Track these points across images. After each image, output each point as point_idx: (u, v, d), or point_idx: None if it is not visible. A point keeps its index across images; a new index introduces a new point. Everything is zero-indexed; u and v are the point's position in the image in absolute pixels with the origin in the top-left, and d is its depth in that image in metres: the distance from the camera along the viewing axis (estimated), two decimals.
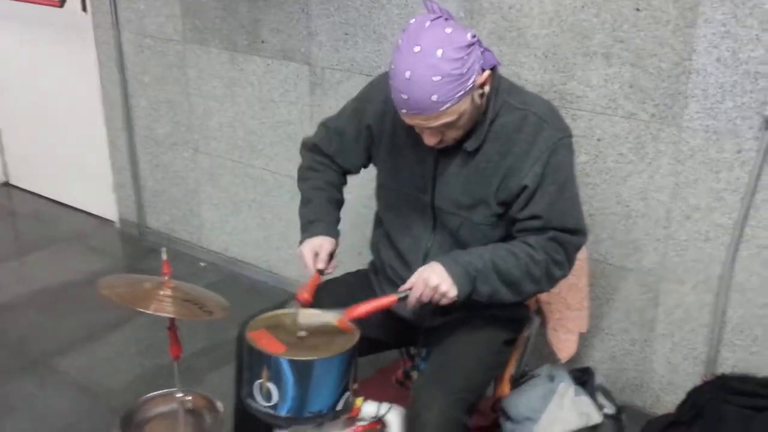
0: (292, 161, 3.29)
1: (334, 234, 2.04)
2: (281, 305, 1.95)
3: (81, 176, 4.34)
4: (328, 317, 1.83)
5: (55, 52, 4.12)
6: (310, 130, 3.16)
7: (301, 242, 2.03)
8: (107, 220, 4.29)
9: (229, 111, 3.45)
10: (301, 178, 2.19)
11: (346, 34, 2.92)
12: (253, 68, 3.28)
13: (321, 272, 1.98)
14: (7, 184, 4.84)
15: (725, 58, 2.15)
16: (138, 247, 4.05)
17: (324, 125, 2.17)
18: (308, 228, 2.05)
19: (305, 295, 1.90)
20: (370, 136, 2.05)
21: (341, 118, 2.13)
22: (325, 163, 2.16)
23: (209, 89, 3.49)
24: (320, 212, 2.08)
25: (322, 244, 1.99)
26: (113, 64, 3.81)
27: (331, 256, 2.02)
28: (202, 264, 3.78)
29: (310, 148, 2.19)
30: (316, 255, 1.98)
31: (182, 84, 3.58)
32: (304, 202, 2.13)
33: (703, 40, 2.17)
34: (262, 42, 3.20)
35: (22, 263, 3.88)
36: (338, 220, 2.10)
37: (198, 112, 3.58)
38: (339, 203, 2.14)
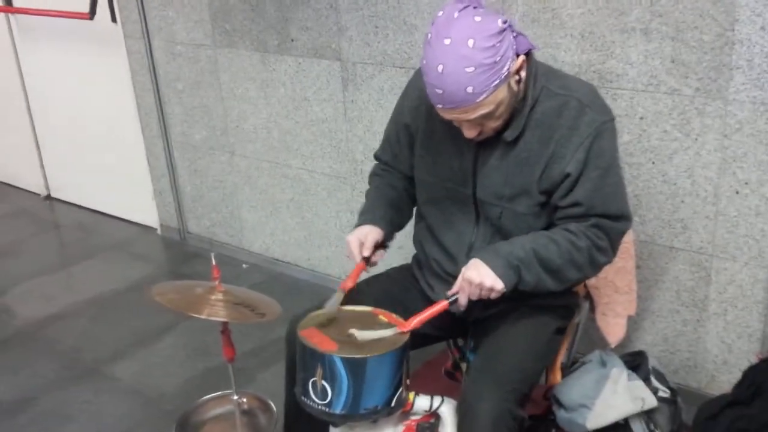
0: (327, 159, 3.29)
1: (382, 225, 2.02)
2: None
3: (121, 185, 4.38)
4: (385, 333, 1.80)
5: (88, 64, 4.16)
6: (344, 126, 3.17)
7: None
8: (149, 227, 4.34)
9: (263, 112, 3.46)
10: (369, 185, 2.20)
11: (377, 27, 2.91)
12: (285, 68, 3.28)
13: (366, 260, 1.97)
14: (49, 197, 4.91)
15: None
16: (180, 252, 4.08)
17: (384, 136, 2.18)
18: (358, 222, 2.05)
19: (348, 282, 1.90)
20: (409, 134, 2.04)
21: (389, 125, 2.14)
22: (386, 169, 2.17)
23: (242, 92, 3.50)
24: (369, 207, 2.09)
25: (367, 233, 1.98)
26: (146, 73, 3.84)
27: (378, 246, 2.01)
28: (245, 266, 3.80)
29: (375, 158, 2.22)
30: (362, 244, 1.96)
31: (215, 88, 3.60)
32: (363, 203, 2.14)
33: (745, 8, 2.12)
34: (292, 41, 3.20)
35: (68, 274, 3.93)
36: (388, 214, 2.07)
37: (232, 115, 3.59)
38: (394, 201, 2.11)
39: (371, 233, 1.98)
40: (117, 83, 4.01)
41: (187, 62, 3.66)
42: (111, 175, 4.40)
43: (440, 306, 1.82)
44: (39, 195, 4.93)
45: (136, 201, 4.32)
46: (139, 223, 4.39)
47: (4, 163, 5.15)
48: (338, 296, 1.88)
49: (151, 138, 4.02)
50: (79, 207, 4.71)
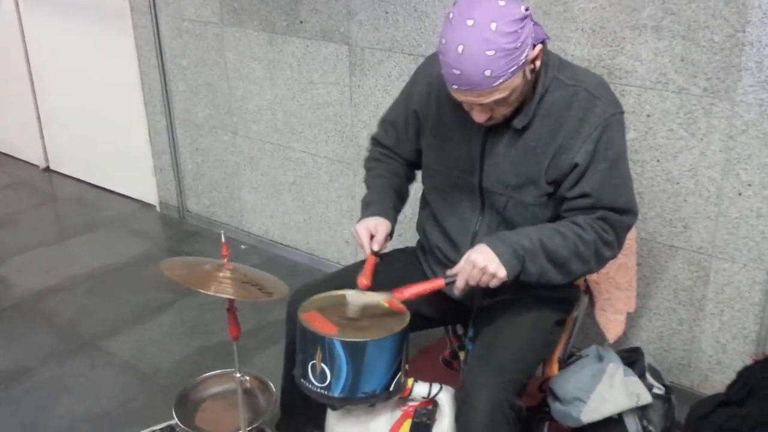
0: (331, 143, 3.29)
1: (390, 217, 2.02)
2: (331, 281, 1.94)
3: (121, 160, 4.38)
4: (376, 298, 1.83)
5: (92, 37, 4.14)
6: (350, 111, 3.16)
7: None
8: (148, 204, 4.33)
9: (269, 93, 3.45)
10: (366, 170, 2.20)
11: (386, 13, 2.90)
12: (292, 50, 3.27)
13: (376, 254, 1.96)
14: (48, 170, 4.90)
15: None
16: (179, 230, 4.08)
17: (381, 121, 2.18)
18: (364, 211, 2.04)
19: (364, 280, 1.88)
20: (417, 121, 2.04)
21: (393, 109, 2.13)
22: (387, 154, 2.16)
23: (248, 72, 3.49)
24: (377, 196, 2.07)
25: (377, 225, 1.97)
26: (151, 48, 3.82)
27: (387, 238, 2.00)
28: (243, 247, 3.80)
29: (373, 142, 2.21)
30: (372, 237, 1.96)
31: (221, 67, 3.59)
32: (367, 190, 2.13)
33: (757, 11, 2.12)
34: (301, 23, 3.19)
35: (66, 247, 3.93)
36: (396, 205, 2.08)
37: (237, 95, 3.59)
38: (399, 190, 2.12)
39: (381, 225, 1.97)
40: (121, 57, 4.00)
41: (193, 39, 3.64)
42: (111, 150, 4.39)
43: (436, 283, 1.82)
44: (38, 167, 4.92)
45: (136, 177, 4.32)
46: (138, 200, 4.39)
47: (4, 133, 5.14)
48: (357, 298, 1.85)
49: (154, 114, 4.00)
50: (78, 180, 4.71)
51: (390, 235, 2.01)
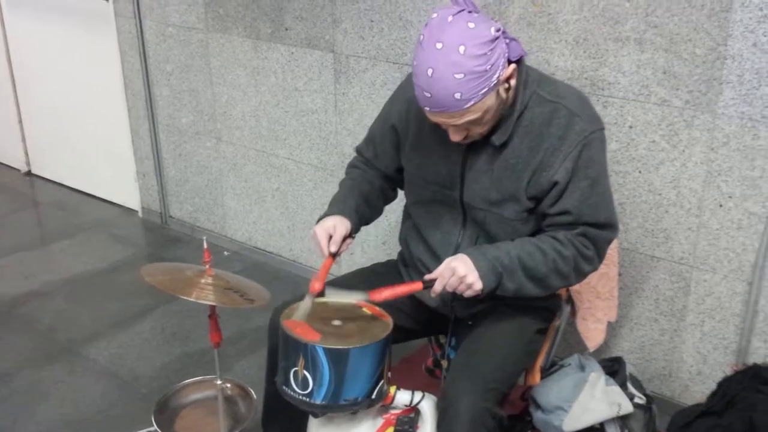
0: (315, 150, 3.29)
1: (352, 218, 2.00)
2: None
3: (103, 165, 4.35)
4: (353, 297, 1.82)
5: (76, 40, 4.12)
6: (334, 118, 3.16)
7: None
8: (130, 209, 4.31)
9: (253, 100, 3.44)
10: (345, 175, 2.20)
11: (372, 21, 2.90)
12: (277, 56, 3.27)
13: (334, 256, 1.93)
14: (29, 174, 4.86)
15: (762, 43, 2.12)
16: (161, 236, 4.06)
17: (368, 132, 2.17)
18: (327, 210, 2.02)
19: (316, 284, 1.84)
20: (396, 136, 2.04)
21: (375, 122, 2.13)
22: (365, 164, 2.16)
23: (232, 78, 3.48)
24: (341, 196, 2.06)
25: (335, 225, 1.94)
26: (135, 53, 3.81)
27: (345, 238, 1.97)
28: (226, 253, 3.79)
29: (356, 151, 2.21)
30: (330, 237, 1.93)
31: (205, 73, 3.58)
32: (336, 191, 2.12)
33: (739, 24, 2.14)
34: (286, 30, 3.19)
35: (47, 252, 3.90)
36: (360, 208, 2.05)
37: (221, 101, 3.58)
38: (368, 196, 2.09)
39: (339, 226, 1.95)
40: (105, 62, 3.98)
41: (177, 45, 3.64)
42: (94, 155, 4.37)
43: (414, 286, 1.82)
44: (19, 171, 4.89)
45: (118, 182, 4.29)
46: (120, 205, 4.37)
47: None
48: (306, 303, 1.82)
49: (137, 119, 3.99)
50: (60, 185, 4.68)
51: (351, 236, 1.99)
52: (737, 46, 2.16)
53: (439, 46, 1.63)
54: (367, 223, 2.12)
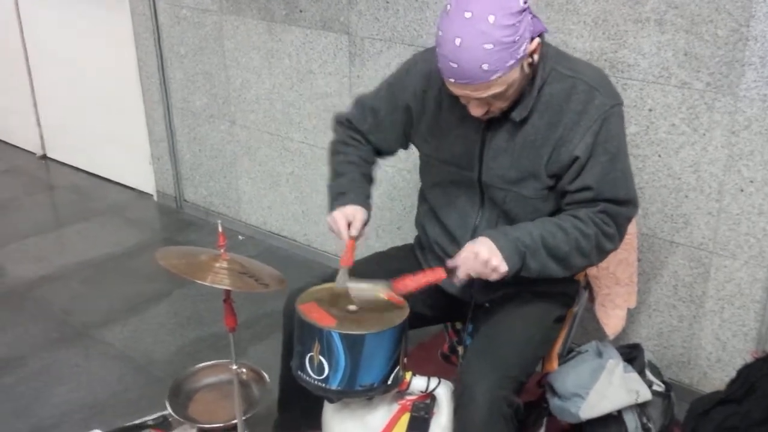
0: (330, 134, 3.25)
1: (367, 206, 1.98)
2: (330, 278, 1.92)
3: (118, 149, 4.35)
4: (377, 289, 1.81)
5: (90, 23, 4.11)
6: (349, 101, 3.11)
7: (330, 212, 1.97)
8: (145, 192, 4.30)
9: (267, 83, 3.42)
10: (334, 152, 2.12)
11: (387, 2, 2.87)
12: (291, 39, 3.24)
13: (354, 240, 1.92)
14: (44, 157, 4.87)
15: None
16: (176, 219, 4.06)
17: (359, 102, 2.10)
18: (339, 199, 1.98)
19: (349, 259, 1.85)
20: (409, 117, 2.00)
21: (377, 96, 2.06)
22: (358, 139, 2.10)
23: (246, 61, 3.46)
24: (352, 185, 2.02)
25: (354, 213, 1.93)
26: (149, 36, 3.79)
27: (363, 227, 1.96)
28: (240, 237, 3.78)
29: (343, 123, 2.13)
30: (349, 224, 1.91)
31: (219, 55, 3.56)
32: (335, 176, 2.07)
33: (762, 5, 2.09)
34: (300, 12, 3.16)
35: (61, 235, 3.91)
36: (370, 194, 2.04)
37: (235, 84, 3.56)
38: (371, 180, 2.08)
39: (359, 213, 1.93)
40: (119, 45, 3.96)
41: (191, 27, 3.61)
42: (108, 138, 4.36)
43: (438, 275, 1.79)
44: (34, 154, 4.89)
45: (133, 166, 4.29)
46: (135, 188, 4.36)
47: (0, 120, 5.10)
48: (344, 273, 1.84)
49: (152, 102, 3.97)
50: (75, 168, 4.68)
51: (365, 224, 1.97)
52: (760, 27, 2.12)
53: (467, 15, 1.60)
54: None
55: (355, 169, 2.05)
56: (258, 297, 3.08)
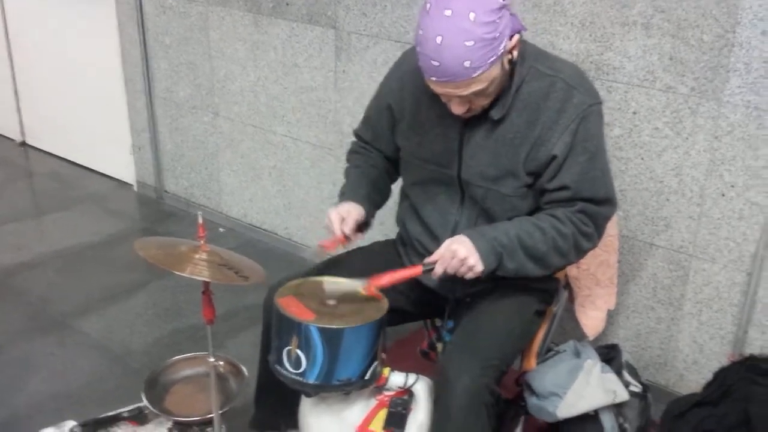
0: (314, 128, 3.26)
1: (365, 205, 1.99)
2: (310, 272, 1.91)
3: (99, 138, 4.31)
4: (354, 285, 1.80)
5: (74, 11, 4.07)
6: (334, 96, 3.13)
7: None
8: (125, 182, 4.28)
9: (252, 75, 3.40)
10: (346, 162, 2.17)
11: None
12: (277, 32, 3.22)
13: (347, 238, 1.92)
14: (24, 144, 4.83)
15: None
16: (156, 210, 4.03)
17: (364, 113, 2.15)
18: (338, 200, 2.02)
19: (327, 243, 1.86)
20: (392, 116, 2.01)
21: (371, 105, 2.11)
22: (366, 148, 2.14)
23: (231, 52, 3.44)
24: (351, 185, 2.05)
25: (349, 210, 1.94)
26: (134, 25, 3.76)
27: (360, 227, 1.97)
28: (221, 230, 3.76)
29: (354, 135, 2.18)
30: (343, 220, 1.92)
31: (204, 46, 3.54)
32: (345, 181, 2.10)
33: (748, 12, 2.11)
34: (287, 4, 3.14)
35: (39, 223, 3.87)
36: (370, 194, 2.04)
37: (219, 75, 3.53)
38: (376, 181, 2.08)
39: (353, 211, 1.94)
40: (103, 33, 3.93)
41: (176, 17, 3.59)
42: (89, 127, 4.33)
43: (414, 270, 1.81)
44: (14, 141, 4.85)
45: (113, 155, 4.26)
46: (115, 178, 4.33)
47: None
48: (320, 251, 1.85)
49: (134, 92, 3.94)
50: (55, 156, 4.64)
51: (366, 224, 1.99)
52: (745, 33, 2.13)
53: (448, 12, 1.60)
54: (378, 208, 2.10)
55: (359, 172, 2.08)
56: (237, 290, 3.07)
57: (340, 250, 1.97)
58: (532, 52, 1.82)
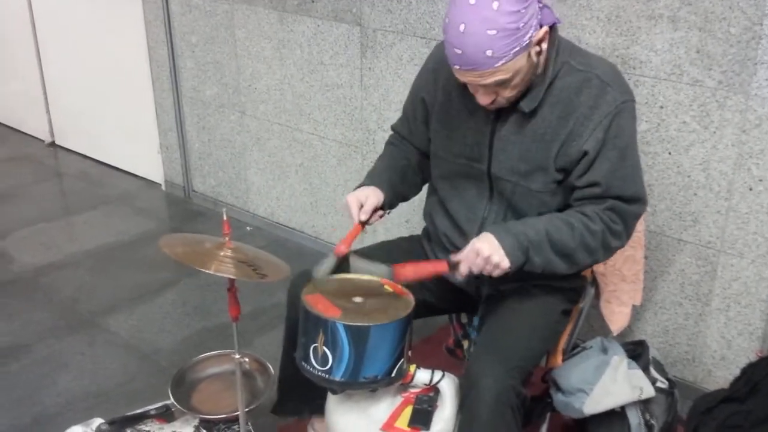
0: (340, 126, 3.26)
1: (385, 189, 1.99)
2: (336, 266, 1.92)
3: (127, 137, 4.35)
4: (378, 269, 1.82)
5: (101, 11, 4.11)
6: (360, 94, 3.13)
7: None
8: (153, 182, 4.31)
9: (278, 73, 3.42)
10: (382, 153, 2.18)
11: None
12: (303, 29, 3.23)
13: (363, 224, 1.93)
14: (53, 144, 4.88)
15: None
16: (184, 209, 4.06)
17: (403, 108, 2.15)
18: (362, 182, 2.02)
19: (342, 247, 1.86)
20: (425, 109, 2.02)
21: (407, 99, 2.11)
22: (403, 141, 2.15)
23: (257, 51, 3.46)
24: (378, 170, 2.07)
25: (368, 195, 1.95)
26: (160, 24, 3.79)
27: (377, 210, 1.97)
28: (248, 228, 3.78)
29: (392, 129, 2.19)
30: (361, 206, 1.93)
31: (230, 45, 3.56)
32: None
33: None
34: (313, 2, 3.15)
35: (69, 223, 3.91)
36: (394, 182, 2.04)
37: (246, 74, 3.55)
38: (404, 171, 2.08)
39: (372, 195, 1.95)
40: (130, 33, 3.96)
41: (203, 15, 3.61)
42: (117, 126, 4.37)
43: (440, 266, 1.81)
44: (43, 141, 4.91)
45: (141, 155, 4.30)
46: (143, 177, 4.37)
47: (9, 106, 5.12)
48: (330, 261, 1.85)
49: (161, 91, 3.98)
50: (83, 156, 4.69)
51: (382, 208, 1.98)
52: None
53: (472, 1, 1.61)
54: (404, 200, 2.11)
55: (388, 160, 2.10)
56: (264, 287, 3.10)
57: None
58: (566, 48, 1.81)
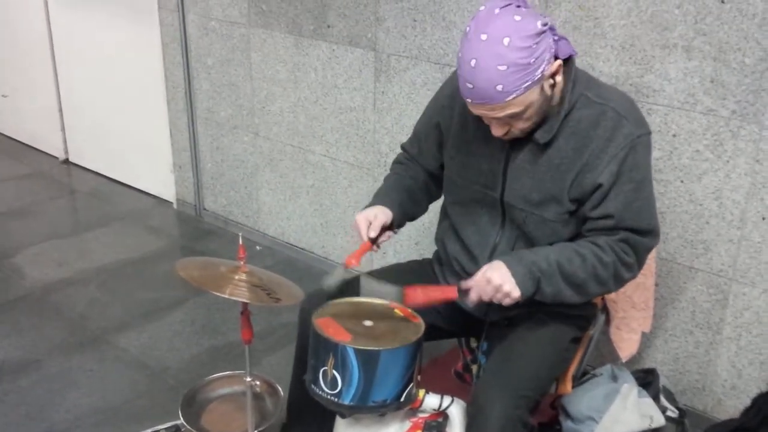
0: (352, 149, 3.28)
1: (393, 209, 2.00)
2: (347, 292, 1.92)
3: (141, 156, 4.38)
4: (389, 290, 1.82)
5: (119, 32, 4.16)
6: (373, 117, 3.15)
7: None
8: (165, 200, 4.33)
9: (292, 96, 3.44)
10: (390, 171, 2.19)
11: (415, 21, 2.89)
12: (318, 53, 3.26)
13: (373, 242, 1.94)
14: (67, 162, 4.92)
15: None
16: (195, 228, 4.08)
17: (414, 127, 2.17)
18: (370, 202, 2.04)
19: (352, 260, 1.86)
20: (440, 133, 2.03)
21: (420, 120, 2.12)
22: (411, 161, 2.16)
23: (272, 73, 3.48)
24: (386, 190, 2.08)
25: (376, 214, 1.96)
26: (177, 46, 3.83)
27: (386, 229, 1.98)
28: (258, 248, 3.79)
29: (401, 148, 2.21)
30: (370, 224, 1.94)
31: (245, 67, 3.59)
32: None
33: None
34: (328, 27, 3.18)
35: (81, 240, 3.93)
36: (402, 201, 2.05)
37: (260, 96, 3.58)
38: (411, 191, 2.09)
39: (380, 214, 1.96)
40: (147, 54, 4.01)
41: (219, 39, 3.65)
42: (131, 145, 4.40)
43: (450, 293, 1.82)
44: (57, 158, 4.94)
45: (154, 173, 4.32)
46: (155, 196, 4.39)
47: (24, 123, 5.17)
48: (339, 272, 1.86)
49: (176, 111, 4.01)
50: (97, 174, 4.72)
51: (391, 227, 1.99)
52: None
53: (483, 37, 1.63)
54: (411, 219, 2.12)
55: (395, 179, 2.11)
56: (274, 308, 3.10)
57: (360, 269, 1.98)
58: (582, 79, 1.82)
